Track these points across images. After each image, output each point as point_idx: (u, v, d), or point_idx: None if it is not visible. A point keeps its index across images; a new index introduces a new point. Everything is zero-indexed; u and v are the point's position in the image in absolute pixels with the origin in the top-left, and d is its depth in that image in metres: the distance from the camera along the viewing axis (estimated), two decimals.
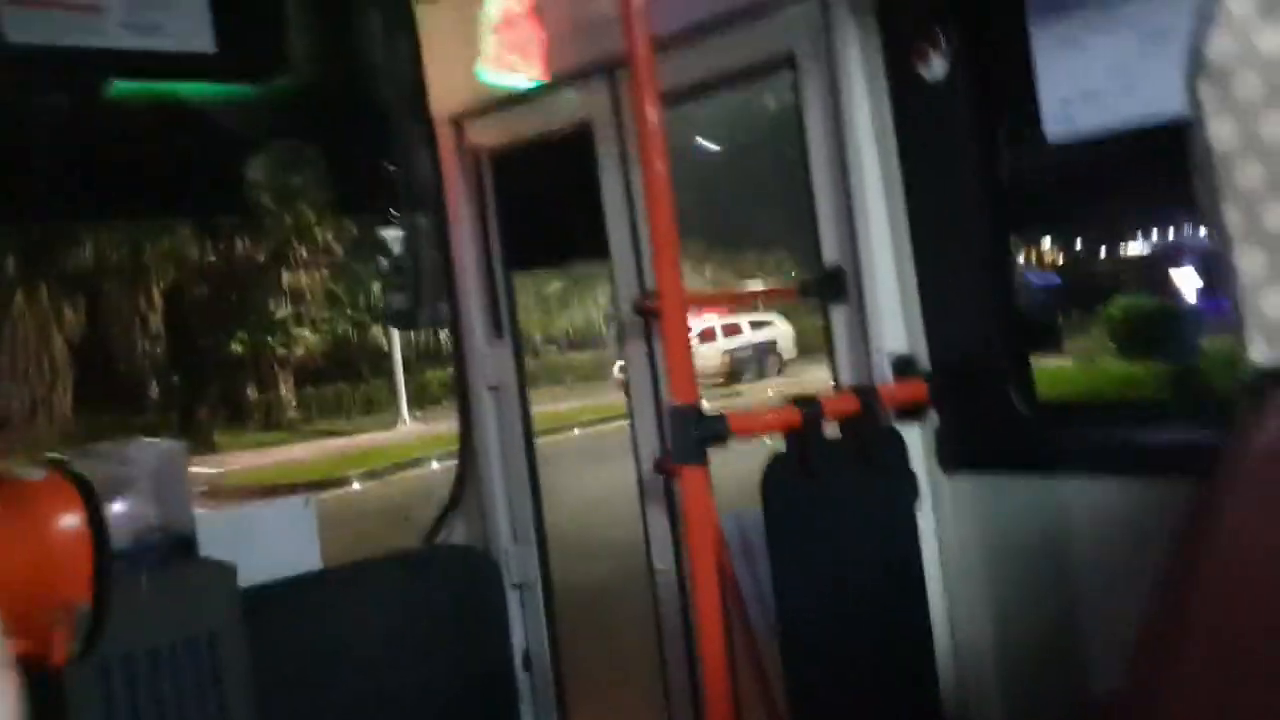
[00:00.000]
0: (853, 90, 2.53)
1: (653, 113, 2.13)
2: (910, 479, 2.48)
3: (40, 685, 1.67)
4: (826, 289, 2.71)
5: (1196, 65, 1.10)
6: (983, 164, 2.43)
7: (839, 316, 2.70)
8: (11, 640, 1.61)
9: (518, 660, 3.68)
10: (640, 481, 3.27)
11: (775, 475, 2.22)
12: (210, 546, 2.55)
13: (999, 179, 2.43)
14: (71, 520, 1.60)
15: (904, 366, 2.54)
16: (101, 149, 3.44)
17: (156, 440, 2.54)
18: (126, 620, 2.18)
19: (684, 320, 2.09)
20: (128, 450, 2.45)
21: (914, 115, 2.49)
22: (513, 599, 3.68)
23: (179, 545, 2.40)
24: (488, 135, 3.70)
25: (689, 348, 2.09)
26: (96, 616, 1.61)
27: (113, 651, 2.21)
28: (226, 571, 2.43)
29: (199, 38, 3.25)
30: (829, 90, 2.61)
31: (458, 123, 3.74)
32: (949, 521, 2.51)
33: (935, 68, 2.44)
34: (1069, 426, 2.41)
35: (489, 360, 3.75)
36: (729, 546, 2.31)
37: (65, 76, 3.22)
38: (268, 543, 3.03)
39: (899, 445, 2.45)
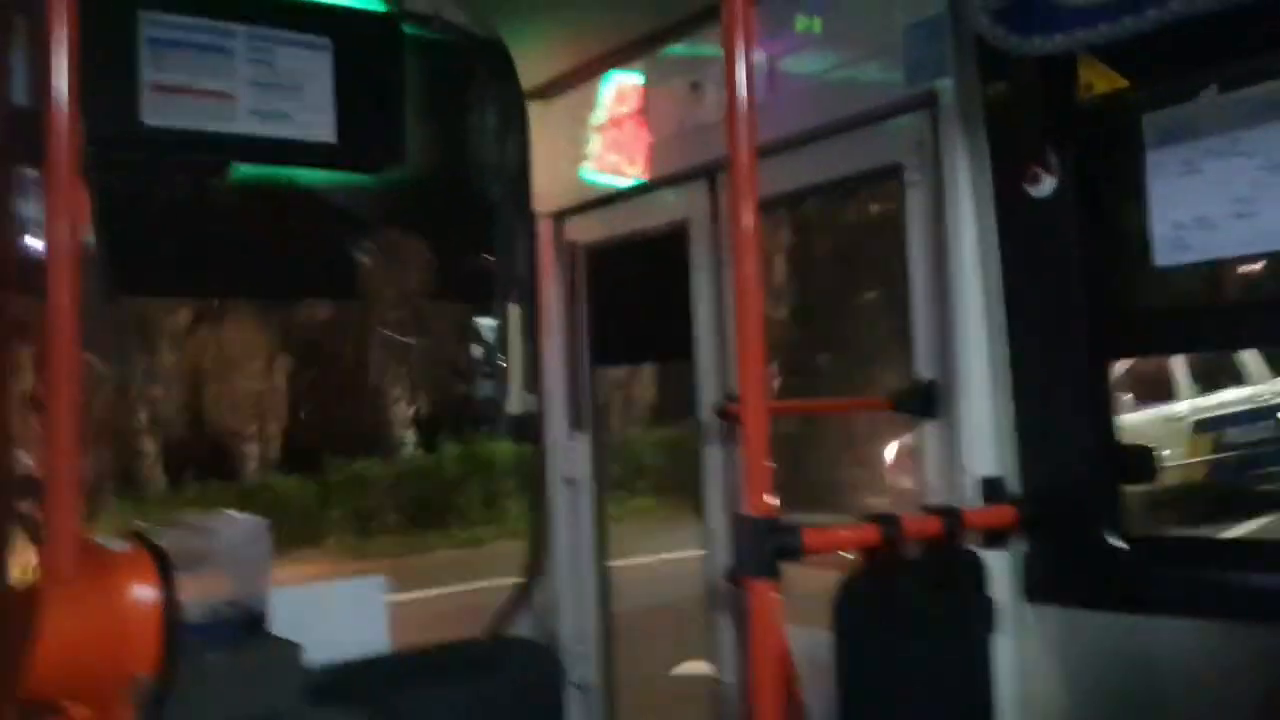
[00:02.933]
0: (959, 204, 2.53)
1: (749, 217, 2.14)
2: (990, 608, 2.39)
3: None
4: (919, 403, 2.67)
5: None
6: (1087, 286, 2.39)
7: (929, 433, 2.65)
8: (75, 707, 1.64)
9: None
10: (709, 589, 3.22)
11: (849, 594, 2.16)
12: (281, 623, 2.56)
13: (1103, 303, 2.38)
14: (145, 593, 1.63)
15: (993, 490, 2.48)
16: (224, 229, 3.60)
17: (241, 515, 2.58)
18: (191, 696, 2.20)
19: (765, 427, 2.07)
20: (212, 523, 2.50)
21: (1019, 233, 2.47)
22: (574, 698, 3.63)
23: (250, 622, 2.42)
24: (586, 231, 3.76)
25: (767, 455, 2.06)
26: (161, 691, 1.63)
27: None
28: (294, 650, 2.44)
29: (322, 128, 3.39)
30: (934, 202, 2.60)
31: (558, 218, 3.82)
32: (1030, 655, 2.41)
33: (1044, 186, 2.42)
34: (1163, 563, 2.31)
35: (567, 453, 3.77)
36: (796, 665, 2.25)
37: (195, 159, 3.38)
38: (338, 621, 3.04)
39: (981, 572, 2.37)
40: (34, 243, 2.77)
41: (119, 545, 1.71)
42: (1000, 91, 2.51)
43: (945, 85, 2.56)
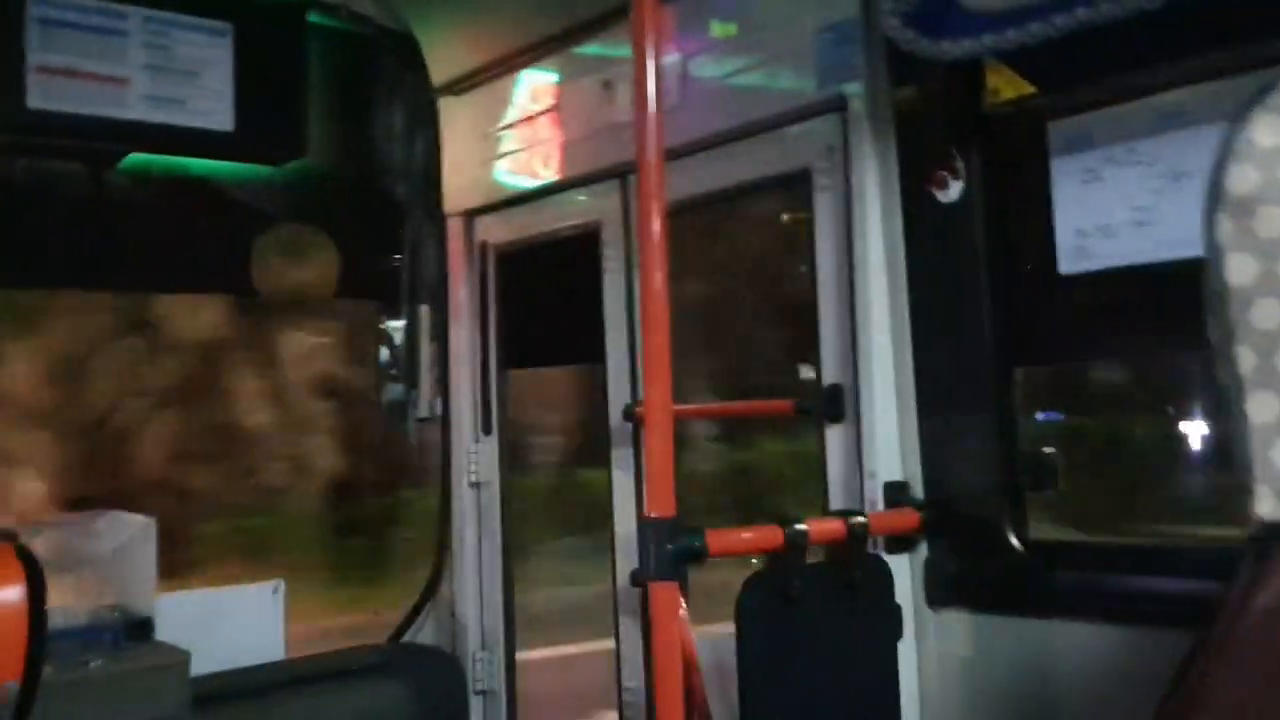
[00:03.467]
0: (866, 209, 2.52)
1: (657, 220, 2.11)
2: (895, 612, 2.39)
3: None
4: (825, 408, 2.66)
5: (1217, 199, 1.06)
6: (992, 293, 2.40)
7: (834, 437, 2.65)
8: None
9: None
10: (615, 593, 3.18)
11: (752, 598, 2.14)
12: (170, 629, 2.47)
13: (1007, 309, 2.40)
14: (9, 595, 1.54)
15: (896, 494, 2.48)
16: (114, 219, 3.46)
17: (128, 515, 2.48)
18: (70, 703, 2.10)
19: (669, 431, 2.04)
20: (96, 523, 2.39)
21: (926, 238, 2.47)
22: (475, 705, 3.56)
23: (135, 627, 2.33)
24: (496, 232, 3.71)
25: (672, 459, 2.04)
26: (25, 698, 1.54)
27: None
28: (179, 658, 2.35)
29: (219, 116, 3.29)
30: (842, 207, 2.60)
31: (468, 217, 3.75)
32: (932, 658, 2.41)
33: (951, 192, 2.43)
34: (1063, 568, 2.33)
35: (474, 456, 3.71)
36: (702, 669, 2.22)
37: (84, 145, 3.25)
38: (231, 628, 2.95)
39: (885, 576, 2.37)
40: None
41: None
42: (909, 96, 2.51)
43: (855, 90, 2.56)
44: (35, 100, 2.98)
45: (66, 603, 2.15)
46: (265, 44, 3.34)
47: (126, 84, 3.12)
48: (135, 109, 3.13)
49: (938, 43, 2.27)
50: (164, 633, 2.46)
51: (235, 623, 3.00)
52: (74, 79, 3.05)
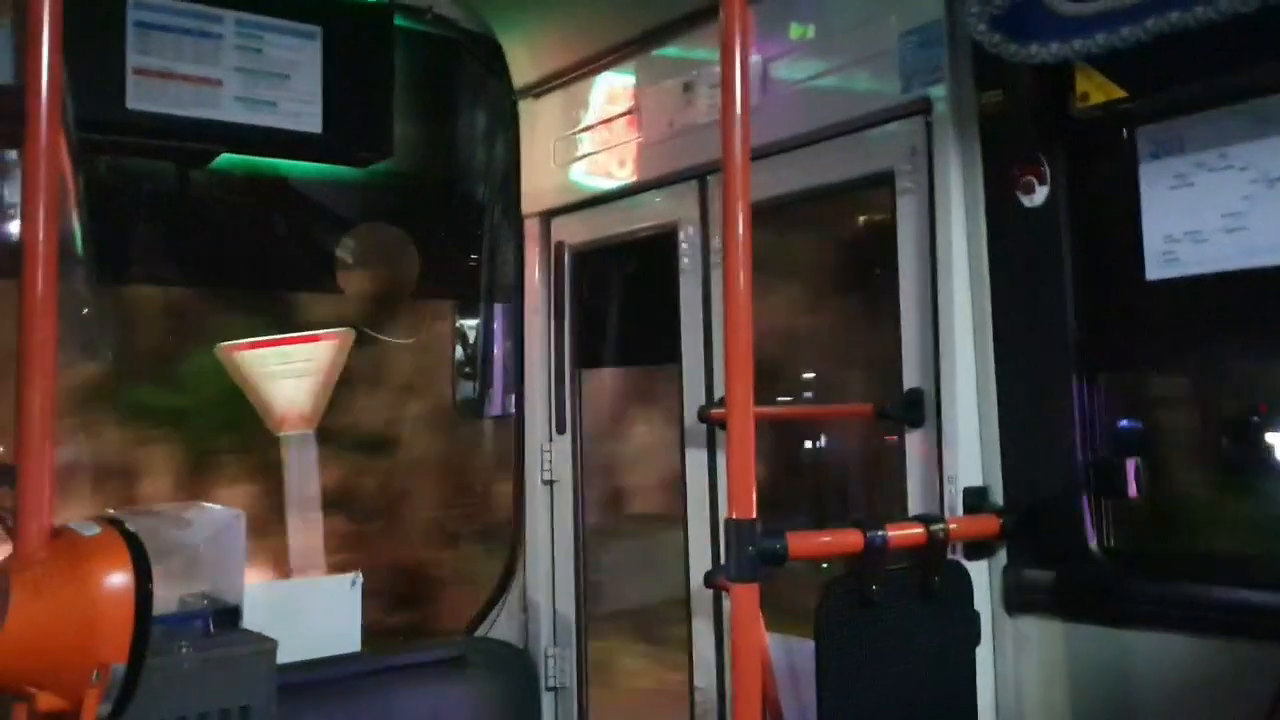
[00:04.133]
0: (950, 212, 2.51)
1: (741, 220, 2.12)
2: (973, 618, 2.38)
3: None
4: (905, 413, 2.65)
5: None
6: (1076, 298, 2.38)
7: (914, 442, 2.64)
8: (43, 694, 1.60)
9: None
10: (689, 594, 3.19)
11: (831, 601, 2.14)
12: (256, 618, 2.53)
13: (1091, 315, 2.38)
14: (118, 580, 1.60)
15: (976, 500, 2.47)
16: (204, 217, 3.56)
17: (217, 507, 2.55)
18: (162, 687, 2.17)
19: (750, 433, 2.05)
20: (188, 514, 2.46)
21: (1010, 242, 2.46)
22: (547, 701, 3.60)
23: (225, 614, 2.39)
24: (573, 232, 3.74)
25: (753, 461, 2.05)
26: (129, 679, 1.59)
27: (145, 717, 2.18)
28: (267, 645, 2.41)
29: (308, 118, 3.36)
30: (925, 210, 2.59)
31: (545, 218, 3.79)
32: (1010, 666, 2.40)
33: (1037, 196, 2.41)
34: (1145, 577, 2.30)
35: (548, 455, 3.74)
36: (776, 673, 2.23)
37: (179, 145, 3.35)
38: (312, 619, 3.01)
39: (964, 581, 2.36)
40: (14, 227, 2.73)
41: (92, 530, 1.68)
42: (995, 99, 2.50)
43: (939, 92, 2.55)
44: (133, 101, 3.07)
45: (159, 590, 2.21)
46: (353, 47, 3.41)
47: (220, 86, 3.20)
48: (228, 110, 3.21)
49: (1025, 46, 2.25)
50: (250, 621, 2.52)
51: (317, 613, 3.06)
52: (170, 80, 3.13)
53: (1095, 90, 2.29)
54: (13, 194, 2.88)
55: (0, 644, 1.54)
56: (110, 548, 1.63)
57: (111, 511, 2.19)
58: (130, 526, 1.73)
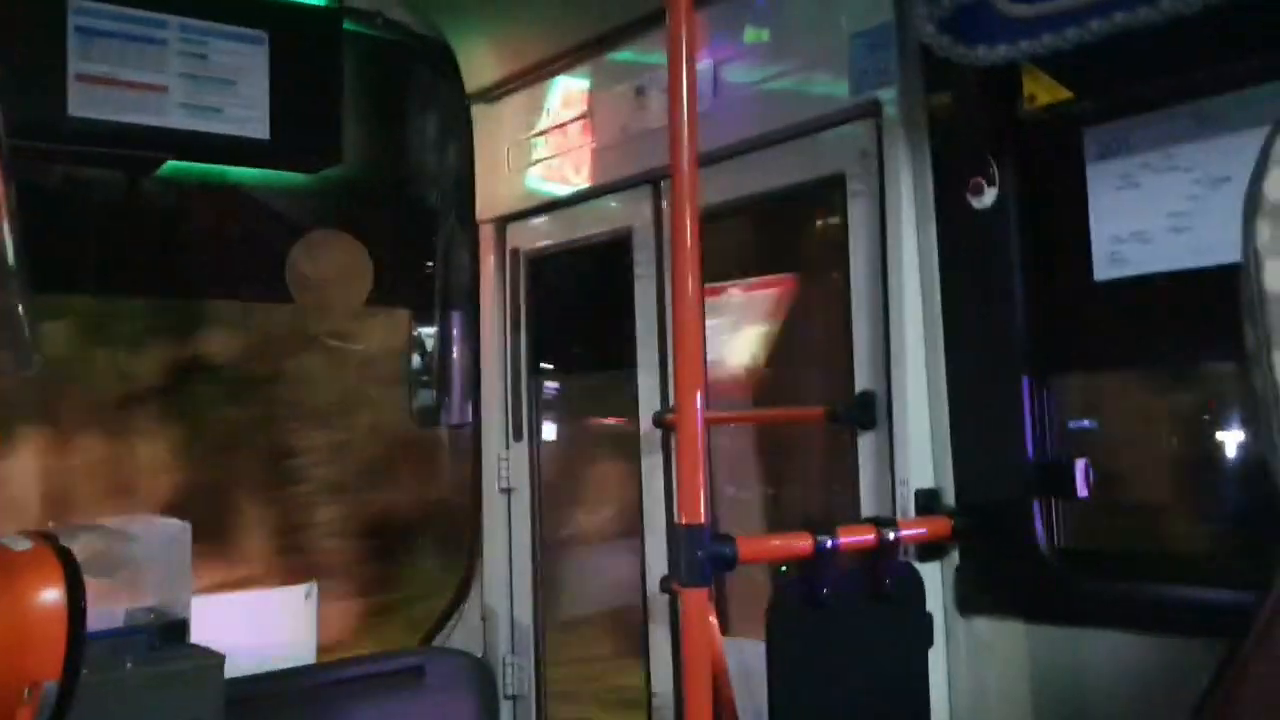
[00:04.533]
0: (900, 214, 2.52)
1: (690, 225, 2.11)
2: (925, 620, 2.38)
3: None
4: (857, 415, 2.65)
5: (1255, 205, 1.05)
6: (1025, 299, 2.39)
7: (865, 444, 2.64)
8: None
9: None
10: (644, 599, 3.18)
11: (781, 602, 2.13)
12: (205, 631, 2.49)
13: (1041, 316, 2.39)
14: (48, 596, 1.56)
15: (928, 501, 2.47)
16: (150, 226, 3.51)
17: (163, 519, 2.50)
18: (105, 704, 2.12)
19: (699, 438, 2.04)
20: (132, 527, 2.42)
21: (960, 244, 2.47)
22: (506, 710, 3.57)
23: (171, 628, 2.35)
24: (528, 238, 3.72)
25: (702, 466, 2.04)
26: (63, 697, 1.55)
27: None
28: (214, 660, 2.37)
29: (256, 124, 3.31)
30: (876, 212, 2.59)
31: (500, 224, 3.77)
32: (963, 667, 2.40)
33: (985, 197, 2.42)
34: (1095, 576, 2.31)
35: (505, 462, 3.72)
36: (731, 676, 2.21)
37: (123, 153, 3.29)
38: (265, 631, 2.97)
39: (916, 583, 2.35)
40: None
41: (23, 546, 1.64)
42: (944, 102, 2.51)
43: (889, 95, 2.55)
44: (76, 108, 3.02)
45: (103, 605, 2.16)
46: (301, 52, 3.37)
47: (165, 92, 3.16)
48: (173, 117, 3.17)
49: (973, 48, 2.26)
50: (199, 635, 2.48)
51: (269, 626, 3.02)
52: (113, 87, 3.08)
53: (1042, 92, 2.30)
54: None
55: None
56: (41, 563, 1.59)
57: (50, 525, 2.15)
58: (66, 541, 1.69)
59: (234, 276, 3.76)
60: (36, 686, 1.55)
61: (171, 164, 3.40)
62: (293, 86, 3.34)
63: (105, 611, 2.32)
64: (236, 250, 3.64)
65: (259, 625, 2.98)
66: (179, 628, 2.38)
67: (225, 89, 3.24)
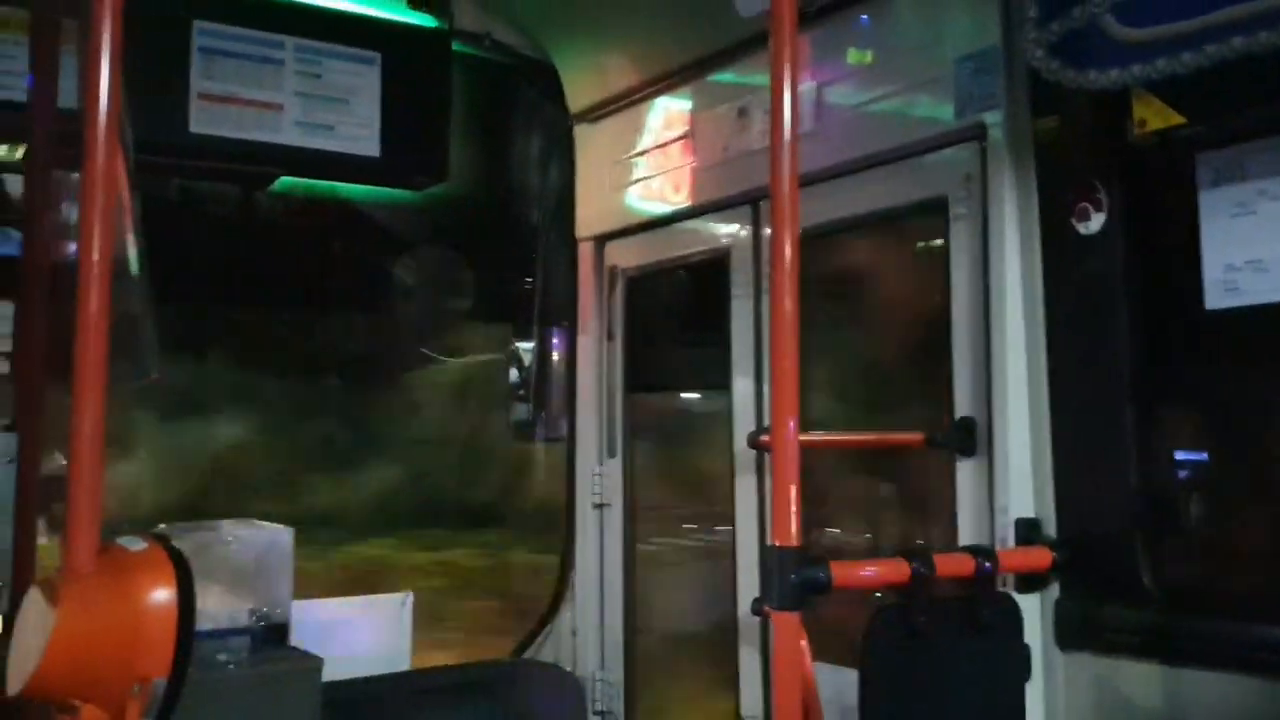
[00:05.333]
0: (1004, 239, 2.48)
1: (789, 246, 2.11)
2: (1023, 652, 2.32)
3: None
4: (956, 441, 2.61)
5: None
6: (1132, 327, 2.33)
7: (965, 471, 2.60)
8: (87, 707, 1.62)
9: None
10: (737, 621, 3.17)
11: (876, 630, 2.11)
12: (304, 635, 2.55)
13: (1149, 345, 2.33)
14: (161, 595, 1.61)
15: (1028, 532, 2.42)
16: (264, 240, 3.62)
17: (266, 524, 2.57)
18: (206, 702, 2.18)
19: (795, 459, 2.03)
20: (238, 530, 2.49)
21: (1066, 270, 2.42)
22: None
23: (272, 631, 2.41)
24: (626, 257, 3.75)
25: (798, 488, 2.02)
26: (170, 694, 1.61)
27: None
28: (312, 663, 2.42)
29: (367, 142, 3.40)
30: (979, 237, 2.56)
31: (599, 242, 3.81)
32: (1061, 702, 2.34)
33: (1093, 223, 2.37)
34: (1202, 615, 2.24)
35: (599, 478, 3.74)
36: (822, 703, 2.19)
37: (240, 169, 3.41)
38: (361, 637, 3.03)
39: (1014, 615, 2.30)
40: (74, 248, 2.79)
41: (138, 546, 1.70)
42: (1051, 126, 2.47)
43: (995, 118, 2.52)
44: (197, 125, 3.14)
45: (207, 606, 2.23)
46: (411, 72, 3.45)
47: (281, 110, 3.26)
48: (288, 134, 3.27)
49: (1083, 72, 2.22)
50: (298, 638, 2.54)
51: (365, 632, 3.08)
52: (232, 105, 3.20)
53: (1154, 117, 2.24)
54: (74, 215, 2.95)
55: (46, 656, 1.56)
56: (155, 563, 1.65)
57: (162, 527, 2.23)
58: (177, 543, 1.75)
59: (342, 289, 3.87)
60: (146, 682, 1.60)
61: (284, 179, 3.51)
62: (403, 105, 3.42)
63: (209, 612, 2.39)
64: (344, 264, 3.73)
65: (356, 631, 3.04)
66: (279, 630, 2.44)
67: (338, 107, 3.34)
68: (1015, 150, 2.49)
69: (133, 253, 2.36)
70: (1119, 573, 2.28)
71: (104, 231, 1.81)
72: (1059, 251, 2.43)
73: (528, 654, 3.70)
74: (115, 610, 1.61)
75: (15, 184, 2.98)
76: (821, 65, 2.95)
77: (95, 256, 1.79)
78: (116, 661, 1.60)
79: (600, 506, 3.74)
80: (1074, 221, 2.40)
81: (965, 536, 2.55)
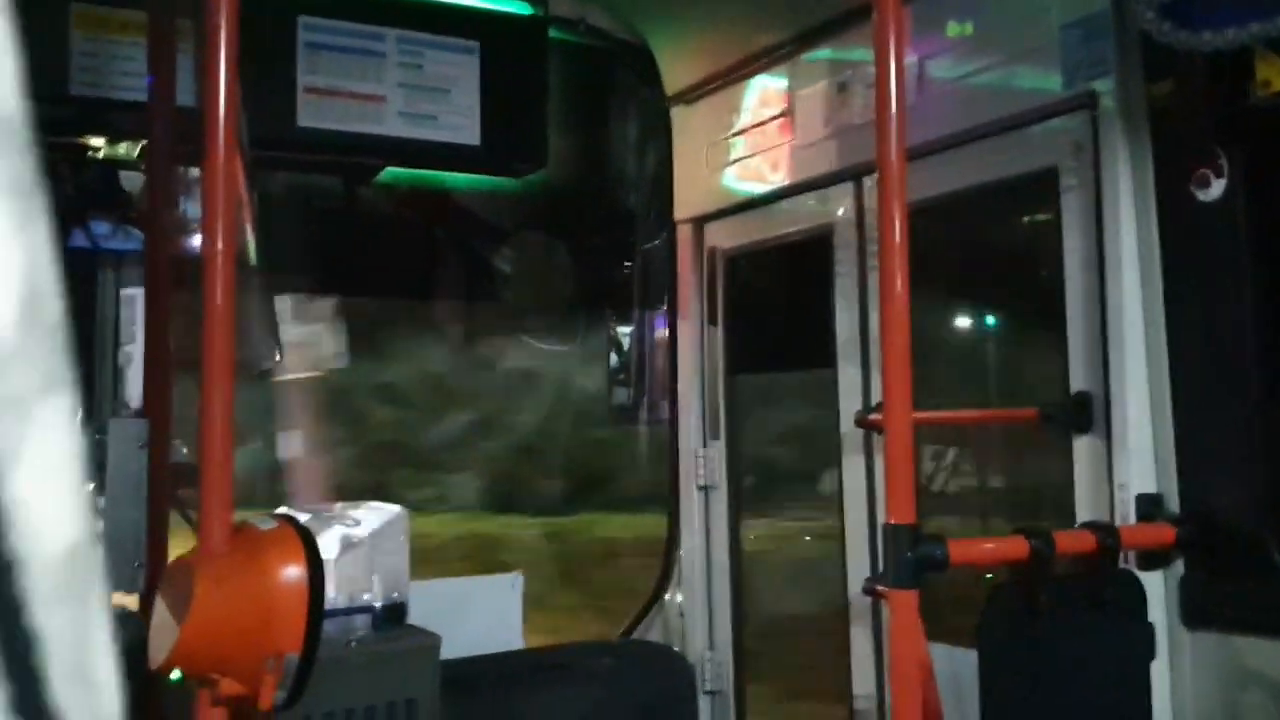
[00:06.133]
0: (1119, 209, 2.42)
1: (897, 222, 2.09)
2: (1147, 631, 2.27)
3: None
4: (1072, 417, 2.56)
5: None
6: (1256, 296, 2.26)
7: (1081, 447, 2.54)
8: (224, 680, 1.69)
9: None
10: (847, 601, 3.15)
11: (995, 609, 2.08)
12: (419, 614, 2.60)
13: (1275, 313, 2.25)
14: (293, 572, 1.67)
15: (1150, 508, 2.36)
16: (371, 229, 3.69)
17: (383, 505, 2.62)
18: (332, 679, 2.25)
19: (909, 438, 2.01)
20: (355, 512, 2.55)
21: (1184, 239, 2.35)
22: (704, 705, 3.60)
23: (391, 610, 2.46)
24: (726, 238, 3.74)
25: (911, 466, 2.00)
26: (303, 668, 1.66)
27: (316, 707, 2.27)
28: (431, 642, 2.47)
29: (468, 131, 3.44)
30: (1092, 207, 2.50)
31: (698, 224, 3.80)
32: (1187, 681, 2.28)
33: (1213, 190, 2.30)
34: None
35: (702, 460, 3.75)
36: (939, 684, 2.17)
37: (346, 160, 3.48)
38: (474, 617, 3.08)
39: (1137, 592, 2.26)
40: (197, 241, 2.88)
41: (269, 525, 1.76)
42: (1166, 91, 2.40)
43: (1106, 85, 2.46)
44: (305, 119, 3.20)
45: (328, 586, 2.28)
46: (509, 60, 3.48)
47: (384, 102, 3.32)
48: (392, 125, 3.32)
49: (1198, 33, 2.15)
50: (414, 617, 2.59)
51: (478, 612, 3.13)
52: (337, 98, 3.26)
53: (1277, 76, 2.17)
54: (196, 209, 3.04)
55: (186, 631, 1.63)
56: (285, 541, 1.70)
57: (284, 509, 2.29)
58: (302, 522, 1.80)
59: (445, 277, 3.93)
60: (279, 657, 1.66)
61: (388, 170, 3.58)
62: (502, 93, 3.45)
63: (330, 593, 2.44)
64: (447, 253, 3.79)
65: (470, 612, 3.09)
66: (399, 609, 2.49)
67: (439, 97, 3.38)
68: (1128, 117, 2.43)
69: (250, 245, 2.44)
70: (1247, 548, 2.22)
71: (226, 224, 1.87)
72: (1177, 220, 2.36)
73: (635, 635, 3.73)
74: (249, 587, 1.67)
75: (131, 180, 3.09)
76: (922, 38, 2.90)
77: (219, 250, 1.85)
78: (252, 636, 1.65)
79: (704, 488, 3.75)
80: (1192, 189, 2.33)
81: (1083, 514, 2.50)
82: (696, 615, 3.69)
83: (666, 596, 3.77)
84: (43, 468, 0.28)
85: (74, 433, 0.30)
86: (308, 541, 1.69)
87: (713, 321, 3.79)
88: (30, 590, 0.27)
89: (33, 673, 0.27)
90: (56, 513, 0.28)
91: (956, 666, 2.31)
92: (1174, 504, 2.34)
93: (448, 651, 2.60)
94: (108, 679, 0.29)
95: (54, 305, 0.29)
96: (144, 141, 2.80)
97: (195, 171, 2.98)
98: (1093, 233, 2.50)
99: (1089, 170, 2.51)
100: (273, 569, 1.67)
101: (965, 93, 2.80)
